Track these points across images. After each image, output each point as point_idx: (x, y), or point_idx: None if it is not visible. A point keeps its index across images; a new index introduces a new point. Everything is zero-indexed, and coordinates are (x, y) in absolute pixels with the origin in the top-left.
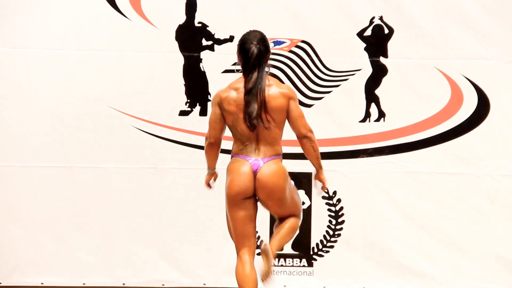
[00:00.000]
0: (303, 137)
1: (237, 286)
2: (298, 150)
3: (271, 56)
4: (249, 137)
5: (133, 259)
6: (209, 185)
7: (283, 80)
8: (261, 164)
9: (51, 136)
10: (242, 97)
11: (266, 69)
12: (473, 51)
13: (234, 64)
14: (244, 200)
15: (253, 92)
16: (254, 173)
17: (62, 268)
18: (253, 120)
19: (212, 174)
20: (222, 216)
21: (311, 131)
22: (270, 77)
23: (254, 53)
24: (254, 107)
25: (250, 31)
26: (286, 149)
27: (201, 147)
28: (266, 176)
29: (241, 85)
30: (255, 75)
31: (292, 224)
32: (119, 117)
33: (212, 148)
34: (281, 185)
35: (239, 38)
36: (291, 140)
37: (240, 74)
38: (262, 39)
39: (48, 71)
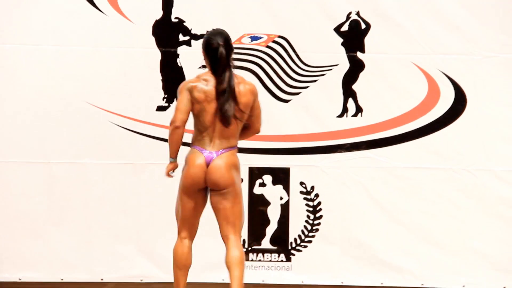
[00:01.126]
0: (256, 132)
1: (173, 261)
2: (276, 145)
3: (248, 52)
4: (208, 130)
5: (112, 254)
6: (169, 175)
7: (259, 75)
8: (214, 156)
9: (28, 131)
10: (212, 90)
11: (233, 67)
12: (450, 46)
13: (203, 66)
14: (196, 192)
15: (227, 92)
16: (207, 164)
17: (40, 264)
18: (229, 119)
19: (174, 163)
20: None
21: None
22: (236, 74)
23: (223, 55)
24: (231, 106)
25: (214, 31)
26: (263, 144)
27: None
28: (215, 168)
29: (211, 78)
30: (227, 75)
31: (242, 260)
32: (97, 113)
33: (178, 133)
34: (230, 176)
35: (204, 37)
36: (269, 136)
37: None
38: (226, 39)
39: (24, 66)
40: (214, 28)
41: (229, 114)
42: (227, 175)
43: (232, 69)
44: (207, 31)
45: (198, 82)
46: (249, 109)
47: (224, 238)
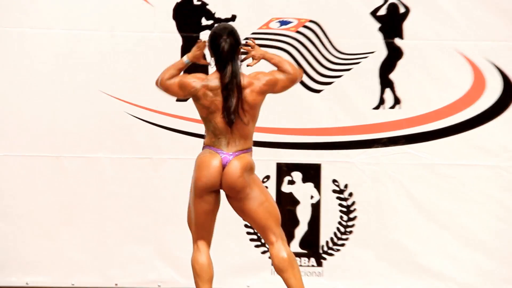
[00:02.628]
0: (295, 71)
1: (193, 274)
2: (306, 139)
3: (277, 38)
4: (222, 131)
5: (127, 257)
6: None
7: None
8: (230, 158)
9: (37, 123)
10: (219, 92)
11: (239, 63)
12: (498, 33)
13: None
14: (209, 193)
15: (229, 87)
16: (223, 166)
17: (49, 267)
18: (231, 115)
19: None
20: (221, 211)
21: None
22: (244, 73)
23: (225, 48)
24: (233, 102)
25: (220, 25)
26: (292, 138)
27: (200, 135)
28: (232, 170)
29: (217, 81)
30: (229, 69)
31: (292, 261)
32: (112, 103)
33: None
34: (244, 178)
35: (210, 32)
36: (298, 129)
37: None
38: (231, 33)
39: (34, 52)
40: (221, 23)
41: (230, 111)
42: (242, 178)
43: (238, 65)
44: (214, 27)
45: (205, 88)
46: (259, 108)
47: (267, 243)
